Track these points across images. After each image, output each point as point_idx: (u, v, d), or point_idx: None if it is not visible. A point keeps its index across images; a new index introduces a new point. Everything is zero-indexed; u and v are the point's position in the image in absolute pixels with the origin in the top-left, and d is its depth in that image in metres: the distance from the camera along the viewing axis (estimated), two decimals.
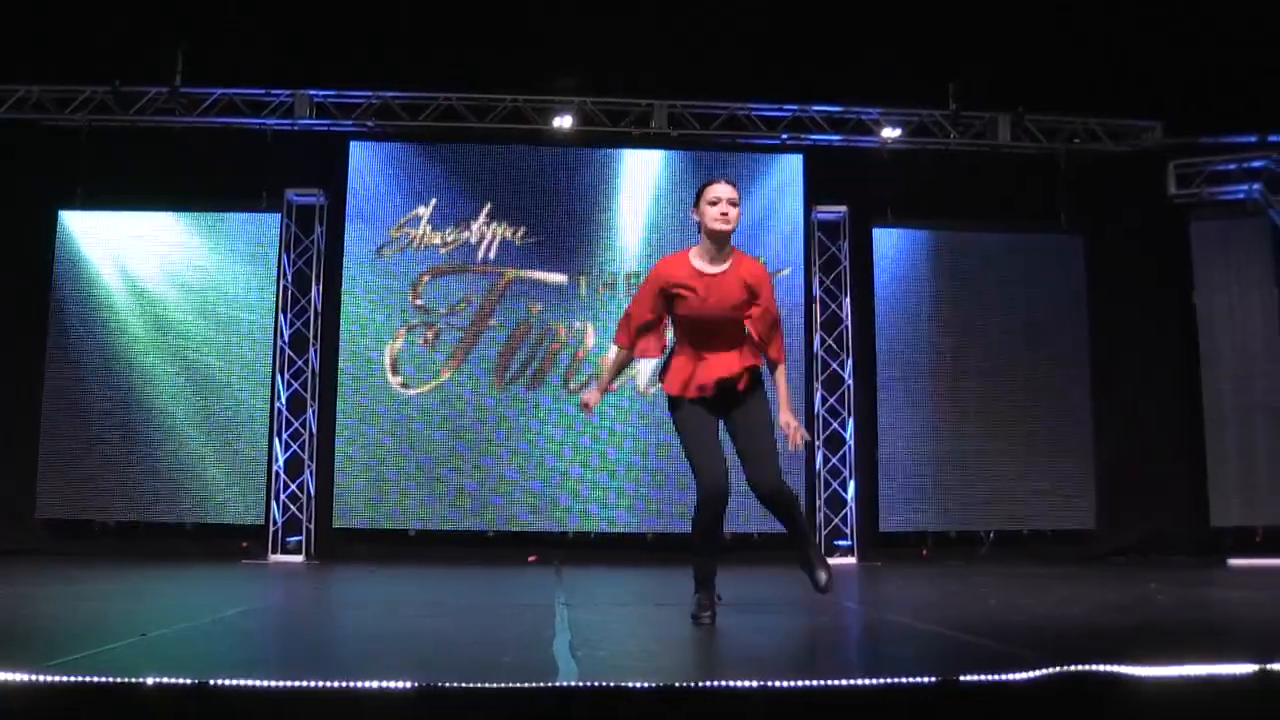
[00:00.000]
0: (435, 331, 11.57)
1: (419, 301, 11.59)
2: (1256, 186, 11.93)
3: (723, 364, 5.11)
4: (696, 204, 5.15)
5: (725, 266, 5.10)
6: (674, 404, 5.22)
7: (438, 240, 11.69)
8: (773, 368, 5.25)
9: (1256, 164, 11.94)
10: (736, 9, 10.79)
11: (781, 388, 5.28)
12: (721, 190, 5.10)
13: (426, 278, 11.64)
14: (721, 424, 5.20)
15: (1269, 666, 3.15)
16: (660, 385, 5.37)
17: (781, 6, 10.84)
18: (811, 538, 5.39)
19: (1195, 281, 12.00)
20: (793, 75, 11.60)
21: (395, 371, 11.47)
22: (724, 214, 5.05)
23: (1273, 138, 11.89)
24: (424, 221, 11.70)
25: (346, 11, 10.83)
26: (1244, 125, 11.89)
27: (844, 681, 3.09)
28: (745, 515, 10.88)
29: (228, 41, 11.09)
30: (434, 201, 11.75)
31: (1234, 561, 11.09)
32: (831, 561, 11.13)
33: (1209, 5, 10.56)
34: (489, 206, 11.75)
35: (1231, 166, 12.06)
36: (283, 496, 11.35)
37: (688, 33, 11.04)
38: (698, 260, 5.12)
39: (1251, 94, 11.26)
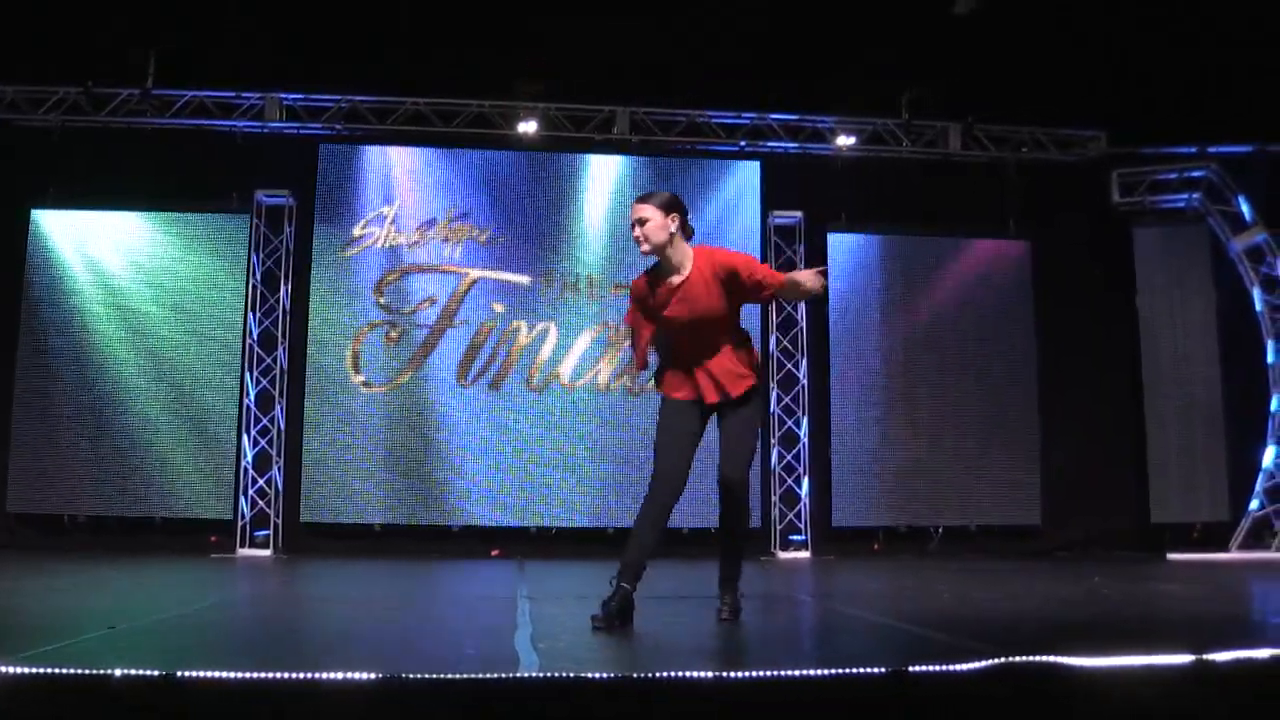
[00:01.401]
0: (399, 331, 11.77)
1: (383, 300, 11.79)
2: (1196, 195, 12.34)
3: (719, 370, 5.00)
4: None
5: (686, 273, 4.95)
6: (665, 399, 5.10)
7: (403, 240, 11.87)
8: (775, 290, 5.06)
9: (1196, 174, 12.35)
10: (698, 19, 10.97)
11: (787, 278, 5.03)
12: (631, 214, 5.00)
13: (392, 277, 11.83)
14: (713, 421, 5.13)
15: (1205, 656, 3.26)
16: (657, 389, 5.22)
17: (741, 18, 11.04)
18: (739, 571, 5.24)
19: (1137, 286, 12.32)
20: (751, 85, 11.85)
21: (358, 370, 11.68)
22: (637, 238, 4.96)
23: (1212, 149, 12.28)
24: (388, 221, 11.89)
25: (317, 17, 10.94)
26: (1184, 137, 12.28)
27: (797, 672, 3.15)
28: (695, 510, 11.18)
29: (199, 45, 11.19)
30: (399, 202, 11.94)
31: (1173, 556, 11.36)
32: (785, 556, 11.59)
33: (1151, 22, 10.83)
34: (454, 208, 11.95)
35: (1172, 176, 12.45)
36: (251, 492, 11.50)
37: (650, 41, 11.22)
38: (656, 275, 5.04)
39: (1192, 107, 11.58)
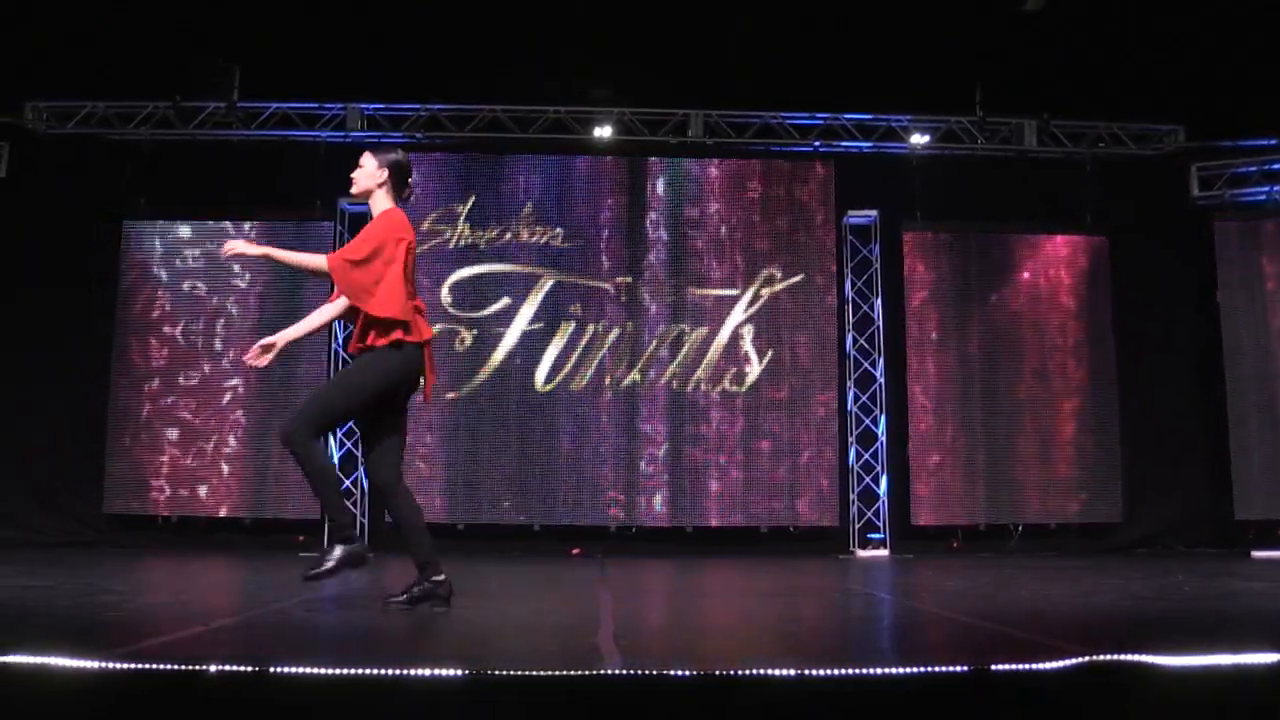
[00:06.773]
0: (473, 332, 11.94)
1: (449, 299, 11.89)
2: (1277, 188, 12.14)
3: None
4: None
5: None
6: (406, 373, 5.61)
7: (481, 242, 12.02)
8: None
9: (1277, 166, 12.17)
10: (770, 21, 11.04)
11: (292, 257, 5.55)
12: None
13: (466, 276, 12.00)
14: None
15: None
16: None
17: (813, 19, 11.09)
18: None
19: (1219, 281, 12.13)
20: (824, 85, 11.91)
21: (433, 371, 11.80)
22: (352, 179, 5.43)
23: None
24: (461, 219, 12.05)
25: (396, 28, 11.17)
26: (1264, 129, 12.10)
27: (879, 670, 3.18)
28: (775, 510, 11.28)
29: (283, 58, 11.47)
30: (472, 199, 12.08)
31: (1257, 554, 11.26)
32: (864, 554, 11.61)
33: (1228, 12, 10.72)
34: (529, 209, 12.10)
35: (1252, 169, 12.29)
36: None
37: (723, 44, 11.31)
38: None
39: (1271, 98, 11.42)
